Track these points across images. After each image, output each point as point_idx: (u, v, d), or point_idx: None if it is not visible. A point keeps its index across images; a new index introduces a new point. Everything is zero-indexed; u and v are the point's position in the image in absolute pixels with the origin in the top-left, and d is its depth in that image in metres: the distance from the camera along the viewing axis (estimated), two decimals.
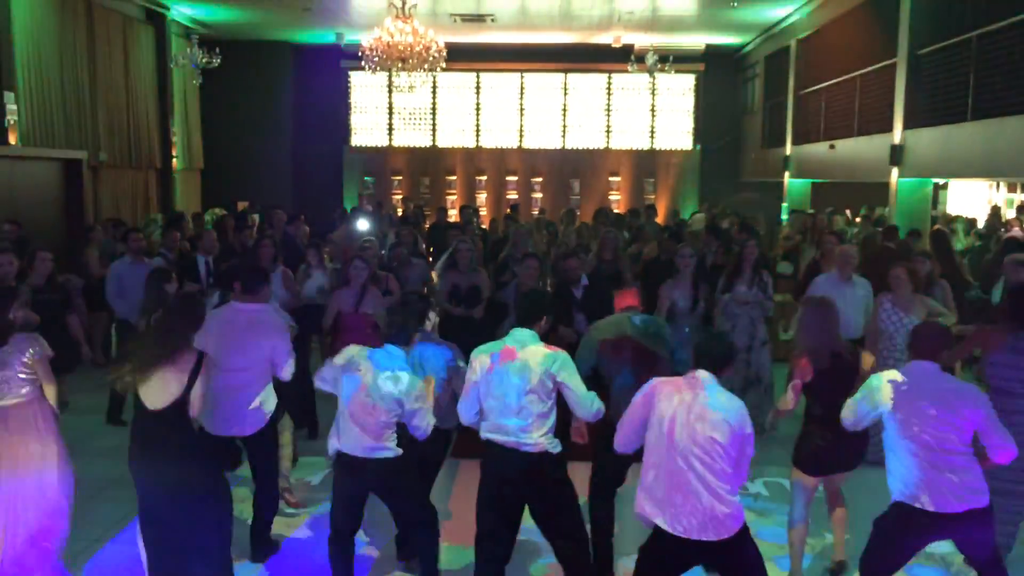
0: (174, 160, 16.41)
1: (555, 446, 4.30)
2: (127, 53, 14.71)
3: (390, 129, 20.91)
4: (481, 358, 4.37)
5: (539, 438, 4.24)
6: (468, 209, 13.55)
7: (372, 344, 4.59)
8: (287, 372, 5.14)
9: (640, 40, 17.34)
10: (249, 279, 5.28)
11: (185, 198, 17.08)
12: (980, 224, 13.21)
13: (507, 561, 4.47)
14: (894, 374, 4.14)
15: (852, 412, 4.23)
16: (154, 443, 4.33)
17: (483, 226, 13.57)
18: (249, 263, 6.76)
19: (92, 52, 13.48)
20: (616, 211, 16.21)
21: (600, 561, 4.94)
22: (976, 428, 3.99)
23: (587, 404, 4.34)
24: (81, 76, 13.14)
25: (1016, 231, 11.20)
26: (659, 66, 15.73)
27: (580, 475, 5.12)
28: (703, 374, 3.92)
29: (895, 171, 12.01)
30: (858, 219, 14.82)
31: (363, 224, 11.30)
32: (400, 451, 4.49)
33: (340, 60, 19.67)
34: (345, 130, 20.79)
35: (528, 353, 4.28)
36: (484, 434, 4.37)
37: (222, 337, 4.98)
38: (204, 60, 14.72)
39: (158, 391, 4.28)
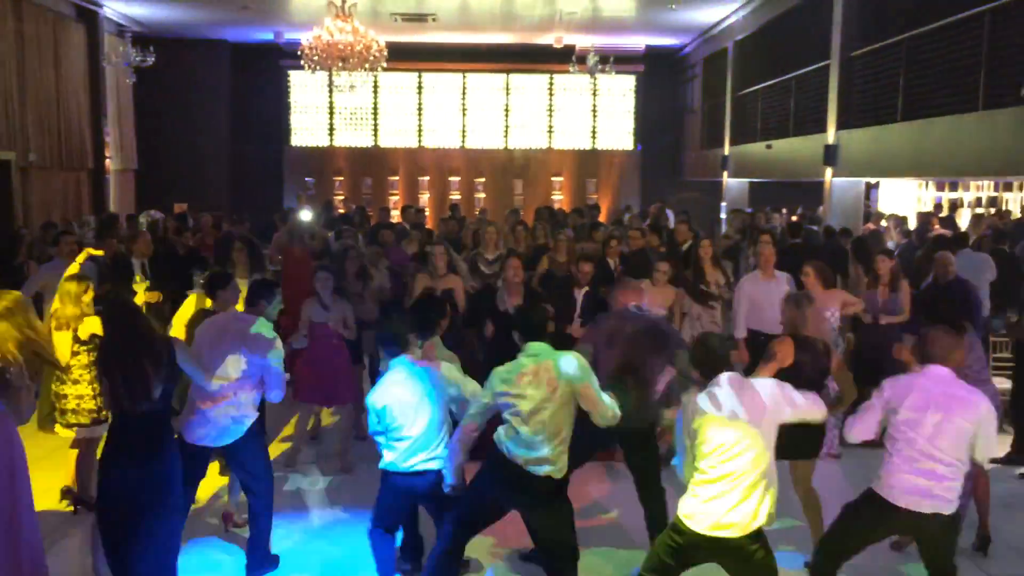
0: (107, 161, 16.02)
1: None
2: (57, 51, 14.31)
3: (331, 129, 20.71)
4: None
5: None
6: (411, 209, 13.49)
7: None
8: (279, 396, 5.03)
9: (581, 41, 17.46)
10: (252, 292, 5.25)
11: (119, 200, 16.67)
12: (911, 223, 13.60)
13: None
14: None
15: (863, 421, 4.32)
16: (131, 445, 4.22)
17: (427, 227, 13.51)
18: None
19: (21, 50, 13.08)
20: (560, 208, 16.32)
21: None
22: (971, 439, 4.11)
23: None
24: (8, 75, 12.74)
25: (938, 229, 11.53)
26: (600, 67, 15.86)
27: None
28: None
29: (829, 170, 12.29)
30: (794, 218, 15.13)
31: (306, 215, 11.17)
32: None
33: (279, 59, 19.42)
34: (285, 130, 20.53)
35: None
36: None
37: (212, 344, 4.88)
38: (138, 58, 14.39)
39: (134, 394, 4.18)
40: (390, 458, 4.59)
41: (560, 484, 4.31)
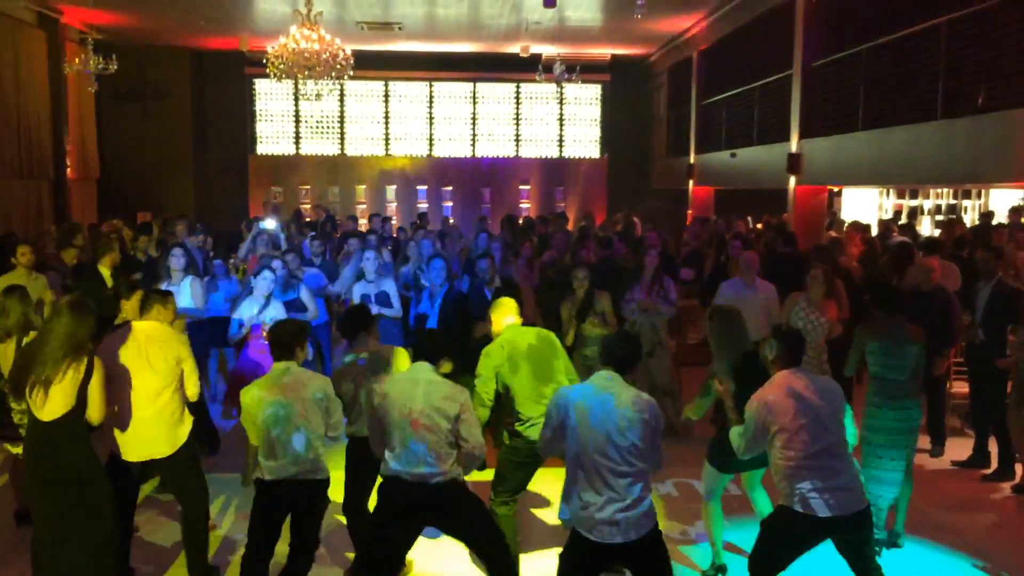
0: (68, 169, 15.79)
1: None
2: (17, 59, 14.09)
3: (297, 137, 20.59)
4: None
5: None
6: (376, 217, 13.45)
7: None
8: (194, 391, 5.01)
9: (547, 50, 17.54)
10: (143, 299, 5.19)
11: (80, 209, 16.44)
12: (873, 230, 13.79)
13: None
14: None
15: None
16: (47, 455, 4.19)
17: (394, 235, 13.49)
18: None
19: None
20: (527, 217, 16.36)
21: None
22: None
23: None
24: None
25: (896, 236, 11.70)
26: (566, 76, 15.93)
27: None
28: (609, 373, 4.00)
29: (793, 179, 12.45)
30: (759, 225, 15.28)
31: (270, 223, 11.10)
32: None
33: (244, 67, 19.29)
34: (250, 138, 20.36)
35: None
36: None
37: (125, 356, 4.81)
38: (100, 66, 14.21)
39: (51, 401, 4.14)
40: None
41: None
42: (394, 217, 18.92)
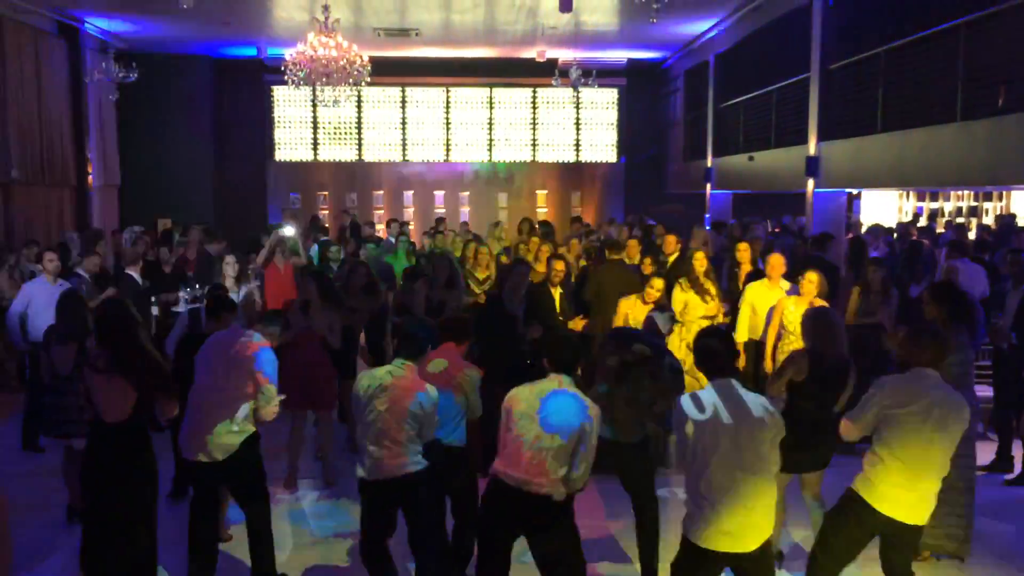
0: (90, 177, 15.95)
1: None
2: (39, 68, 14.25)
3: (315, 143, 20.70)
4: None
5: None
6: (394, 222, 13.52)
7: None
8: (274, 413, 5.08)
9: (563, 55, 17.56)
10: (212, 307, 5.37)
11: (102, 216, 16.60)
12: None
13: None
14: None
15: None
16: (108, 457, 4.23)
17: (411, 240, 13.55)
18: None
19: (2, 67, 13.02)
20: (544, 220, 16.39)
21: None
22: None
23: None
24: None
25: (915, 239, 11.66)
26: (583, 80, 15.95)
27: None
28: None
29: (811, 182, 12.40)
30: (777, 229, 15.25)
31: (288, 230, 11.18)
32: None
33: (262, 74, 19.42)
34: (269, 145, 20.50)
35: None
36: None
37: (202, 361, 4.99)
38: (120, 74, 14.35)
39: (113, 404, 4.19)
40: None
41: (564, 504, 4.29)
42: (411, 222, 19.01)
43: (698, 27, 16.51)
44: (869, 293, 7.66)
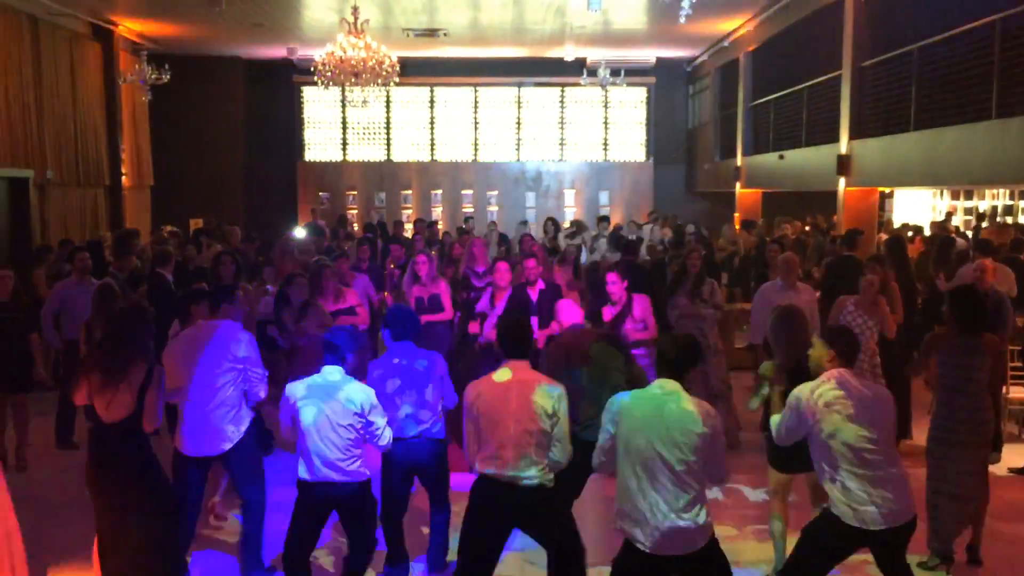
0: (123, 177, 16.16)
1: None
2: (74, 70, 14.47)
3: (344, 144, 20.83)
4: None
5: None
6: (421, 222, 13.55)
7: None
8: (262, 391, 5.15)
9: (592, 54, 17.52)
10: (214, 297, 5.34)
11: (135, 216, 16.81)
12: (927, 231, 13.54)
13: None
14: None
15: None
16: (108, 456, 4.34)
17: (440, 238, 13.60)
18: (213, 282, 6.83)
19: (38, 69, 13.23)
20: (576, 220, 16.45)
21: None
22: None
23: None
24: (27, 94, 12.89)
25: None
26: (611, 79, 15.90)
27: None
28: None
29: (842, 180, 12.27)
30: (807, 228, 15.10)
31: (299, 232, 11.28)
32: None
33: (292, 75, 19.58)
34: (298, 145, 20.67)
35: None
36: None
37: (188, 356, 5.01)
38: (153, 76, 14.53)
39: (112, 404, 4.29)
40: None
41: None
42: (440, 222, 19.06)
43: (729, 25, 16.39)
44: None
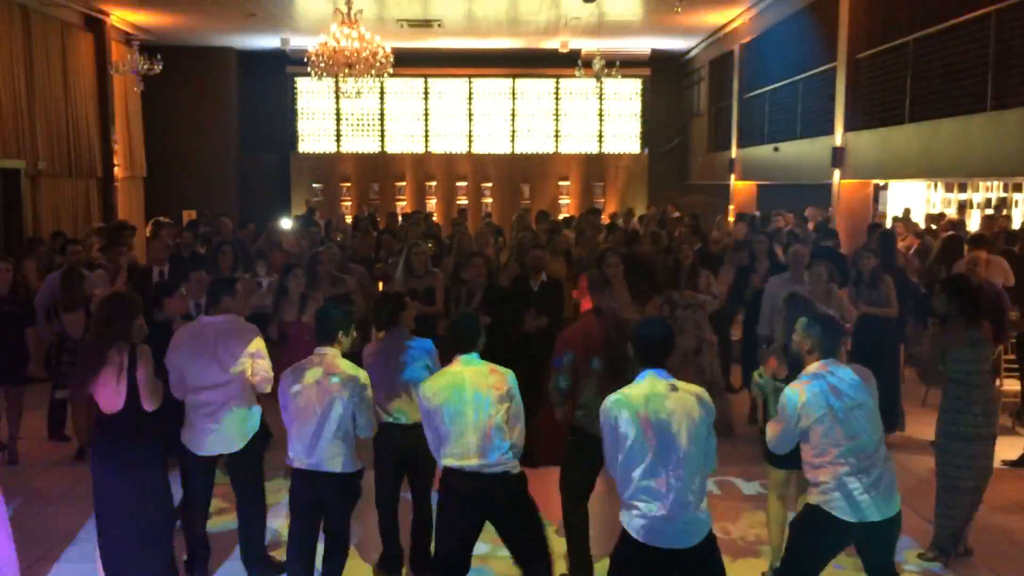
0: (116, 168, 16.08)
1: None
2: (66, 60, 14.37)
3: (338, 135, 20.76)
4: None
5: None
6: (417, 214, 13.52)
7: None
8: (267, 386, 5.05)
9: (587, 45, 17.47)
10: (212, 291, 5.22)
11: (127, 207, 16.73)
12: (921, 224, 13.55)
13: None
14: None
15: None
16: (110, 445, 4.34)
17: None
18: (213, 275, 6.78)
19: (29, 59, 13.14)
20: (566, 214, 16.41)
21: (579, 567, 4.97)
22: None
23: None
24: (18, 84, 12.80)
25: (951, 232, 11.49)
26: (606, 71, 15.85)
27: (551, 480, 5.17)
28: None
29: (837, 173, 12.26)
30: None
31: (285, 223, 11.25)
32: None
33: (286, 66, 19.49)
34: (292, 136, 20.59)
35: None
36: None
37: (193, 354, 4.90)
38: (146, 67, 14.44)
39: (103, 391, 4.29)
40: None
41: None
42: (434, 213, 19.02)
43: (723, 16, 16.35)
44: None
